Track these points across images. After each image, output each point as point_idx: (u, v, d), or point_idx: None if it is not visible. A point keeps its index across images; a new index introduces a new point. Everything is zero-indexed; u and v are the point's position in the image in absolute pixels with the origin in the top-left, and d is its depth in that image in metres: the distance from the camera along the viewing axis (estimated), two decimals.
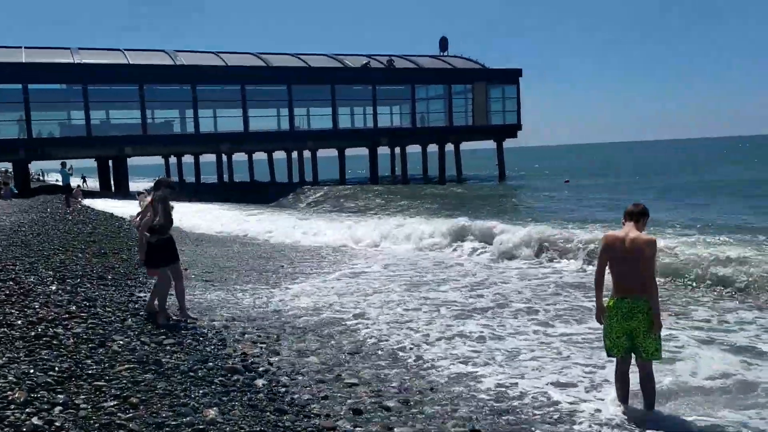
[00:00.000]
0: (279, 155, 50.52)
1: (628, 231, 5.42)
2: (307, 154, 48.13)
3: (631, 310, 5.28)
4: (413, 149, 49.72)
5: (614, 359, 5.60)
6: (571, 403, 5.80)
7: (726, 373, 6.33)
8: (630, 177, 47.69)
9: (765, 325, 8.30)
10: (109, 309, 7.99)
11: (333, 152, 47.28)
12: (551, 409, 5.68)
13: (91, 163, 47.47)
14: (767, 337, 7.71)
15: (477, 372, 6.65)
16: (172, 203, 8.19)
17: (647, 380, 5.43)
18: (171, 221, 8.08)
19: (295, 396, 5.64)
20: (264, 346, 7.28)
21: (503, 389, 6.16)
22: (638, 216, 5.50)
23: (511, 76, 47.00)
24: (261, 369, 6.31)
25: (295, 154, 48.27)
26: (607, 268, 5.50)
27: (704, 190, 31.27)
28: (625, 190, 33.55)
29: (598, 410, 5.62)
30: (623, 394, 5.57)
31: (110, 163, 44.30)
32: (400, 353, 7.29)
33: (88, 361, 5.68)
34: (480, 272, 12.76)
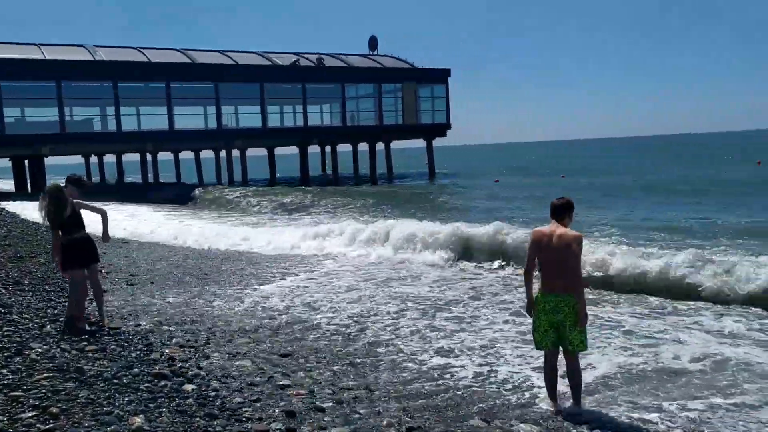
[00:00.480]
0: (207, 155, 49.44)
1: (555, 227, 5.54)
2: (235, 153, 47.25)
3: (557, 305, 5.40)
4: (344, 148, 49.68)
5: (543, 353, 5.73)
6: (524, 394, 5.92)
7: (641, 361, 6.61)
8: (555, 176, 49.02)
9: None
10: (27, 315, 7.61)
11: (262, 151, 46.61)
12: (489, 402, 5.76)
13: (6, 163, 45.23)
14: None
15: (418, 367, 6.70)
16: (85, 201, 7.76)
17: (574, 373, 5.57)
18: (67, 218, 7.34)
19: (226, 400, 5.51)
20: (193, 350, 7.08)
21: (441, 383, 6.21)
22: (563, 209, 5.61)
23: (440, 76, 47.58)
24: (190, 373, 6.13)
25: (223, 154, 47.26)
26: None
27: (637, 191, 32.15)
28: (554, 189, 34.38)
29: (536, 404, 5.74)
30: (552, 390, 5.68)
31: (26, 163, 42.25)
32: (341, 351, 7.26)
33: (4, 371, 5.39)
34: (431, 272, 12.88)
